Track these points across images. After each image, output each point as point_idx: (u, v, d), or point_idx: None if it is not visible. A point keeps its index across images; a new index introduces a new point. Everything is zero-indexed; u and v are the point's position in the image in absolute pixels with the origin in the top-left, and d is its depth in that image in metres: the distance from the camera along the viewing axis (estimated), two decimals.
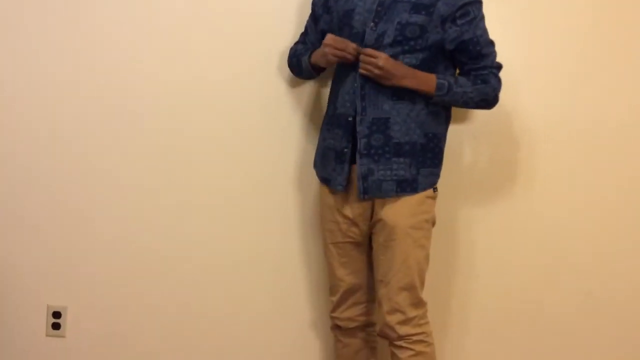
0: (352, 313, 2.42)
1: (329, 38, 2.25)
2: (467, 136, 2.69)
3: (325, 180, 2.40)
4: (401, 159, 2.23)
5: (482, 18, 2.26)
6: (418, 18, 2.18)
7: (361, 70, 2.18)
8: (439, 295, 2.65)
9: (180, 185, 2.70)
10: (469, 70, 2.28)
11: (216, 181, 2.70)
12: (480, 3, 2.26)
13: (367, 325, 2.46)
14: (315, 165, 2.47)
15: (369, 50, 2.16)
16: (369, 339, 2.48)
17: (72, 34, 2.66)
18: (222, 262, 2.73)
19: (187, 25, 2.67)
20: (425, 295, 2.32)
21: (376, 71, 2.15)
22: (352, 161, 2.28)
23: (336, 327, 2.48)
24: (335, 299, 2.43)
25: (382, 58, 2.14)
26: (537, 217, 2.74)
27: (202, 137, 2.69)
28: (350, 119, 2.24)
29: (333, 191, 2.35)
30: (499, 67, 2.30)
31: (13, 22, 2.65)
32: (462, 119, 2.64)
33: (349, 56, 2.20)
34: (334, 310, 2.45)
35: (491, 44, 2.28)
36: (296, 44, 2.55)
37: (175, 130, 2.69)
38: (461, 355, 2.75)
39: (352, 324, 2.43)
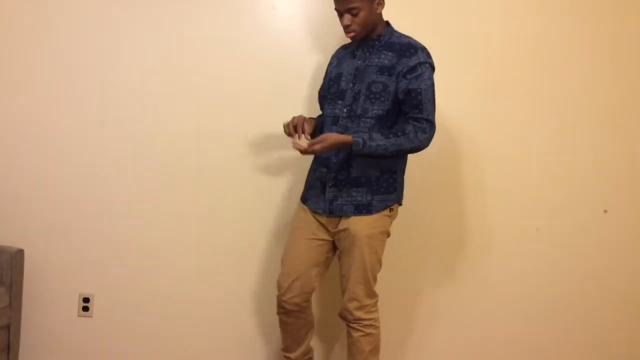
0: (297, 300, 2.83)
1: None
2: None
3: (304, 199, 2.88)
4: (359, 189, 2.73)
5: (430, 78, 2.65)
6: (382, 78, 2.68)
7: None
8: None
9: (184, 203, 3.27)
10: (407, 118, 2.65)
11: (213, 208, 3.29)
12: (430, 65, 2.67)
13: (308, 308, 2.92)
14: (303, 191, 2.92)
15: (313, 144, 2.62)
16: (308, 316, 2.94)
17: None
18: (207, 261, 3.30)
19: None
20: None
21: (318, 150, 2.63)
22: None
23: (282, 310, 2.87)
24: (285, 285, 2.83)
25: (320, 146, 2.61)
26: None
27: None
28: (333, 160, 2.75)
29: (312, 209, 2.82)
30: (429, 121, 2.63)
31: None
32: None
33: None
34: (283, 295, 2.83)
35: (431, 102, 2.64)
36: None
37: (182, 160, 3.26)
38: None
39: (296, 308, 2.85)
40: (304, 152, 2.67)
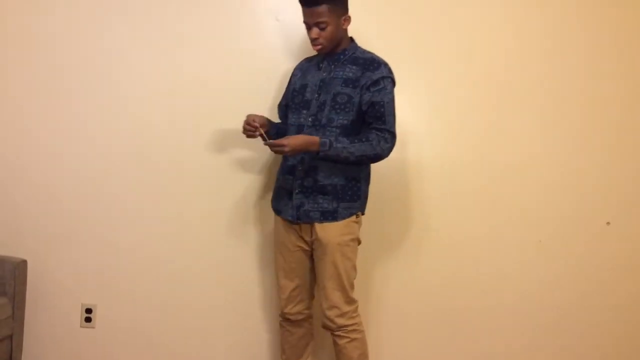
0: (299, 308, 2.95)
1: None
2: None
3: (277, 211, 2.94)
4: (325, 196, 2.78)
5: (391, 92, 2.78)
6: (347, 89, 2.78)
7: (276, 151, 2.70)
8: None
9: (186, 214, 3.32)
10: (370, 129, 2.75)
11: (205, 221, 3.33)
12: (391, 79, 2.79)
13: (310, 317, 3.00)
14: (272, 201, 3.01)
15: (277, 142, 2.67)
16: (310, 327, 3.02)
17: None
18: (207, 270, 3.33)
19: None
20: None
21: (286, 150, 2.65)
22: None
23: (286, 320, 2.99)
24: (284, 297, 2.95)
25: (287, 141, 2.66)
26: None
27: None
28: (299, 167, 2.83)
29: (284, 218, 2.90)
30: (391, 132, 2.75)
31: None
32: None
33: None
34: (285, 306, 2.95)
35: (392, 115, 2.76)
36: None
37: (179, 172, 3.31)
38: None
39: (299, 317, 2.97)
40: (273, 145, 2.70)
